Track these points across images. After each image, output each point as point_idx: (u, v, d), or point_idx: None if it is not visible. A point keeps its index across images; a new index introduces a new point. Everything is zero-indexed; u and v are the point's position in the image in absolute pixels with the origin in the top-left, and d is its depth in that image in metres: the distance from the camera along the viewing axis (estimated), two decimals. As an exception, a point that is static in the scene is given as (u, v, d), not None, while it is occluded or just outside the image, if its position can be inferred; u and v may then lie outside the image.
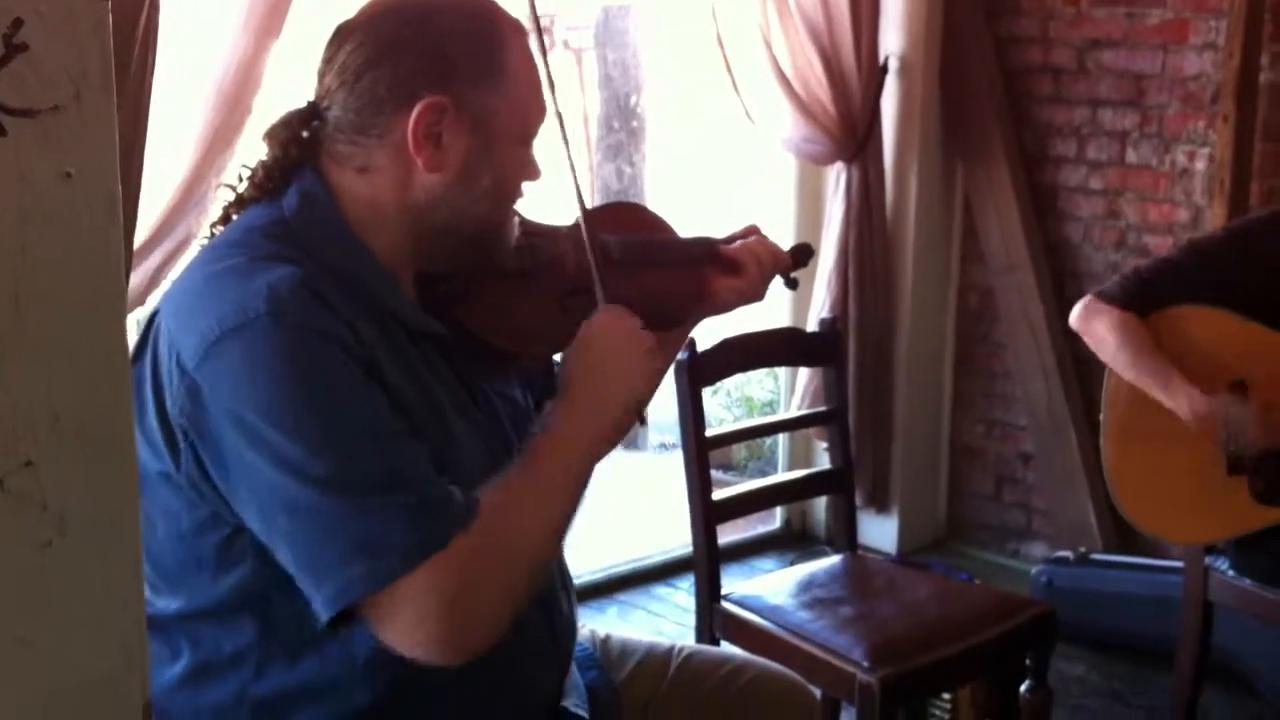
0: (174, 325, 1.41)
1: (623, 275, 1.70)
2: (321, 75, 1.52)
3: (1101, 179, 3.79)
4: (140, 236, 2.46)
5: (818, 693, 2.16)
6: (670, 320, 1.83)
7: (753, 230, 1.88)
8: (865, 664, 2.33)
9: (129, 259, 2.20)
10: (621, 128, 5.74)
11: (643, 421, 1.60)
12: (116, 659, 0.92)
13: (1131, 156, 3.72)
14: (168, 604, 1.47)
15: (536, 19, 1.64)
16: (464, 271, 1.60)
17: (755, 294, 1.85)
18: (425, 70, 1.47)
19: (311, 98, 1.53)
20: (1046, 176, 3.88)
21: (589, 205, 1.69)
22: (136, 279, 2.47)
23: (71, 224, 0.87)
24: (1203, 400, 2.55)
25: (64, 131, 0.85)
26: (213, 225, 1.55)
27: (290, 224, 1.48)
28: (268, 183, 1.52)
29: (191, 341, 1.37)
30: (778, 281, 1.94)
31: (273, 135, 1.53)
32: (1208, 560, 2.77)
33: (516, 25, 1.54)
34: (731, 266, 1.82)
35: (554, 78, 1.60)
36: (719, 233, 1.88)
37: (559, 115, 1.62)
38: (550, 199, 1.72)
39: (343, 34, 1.51)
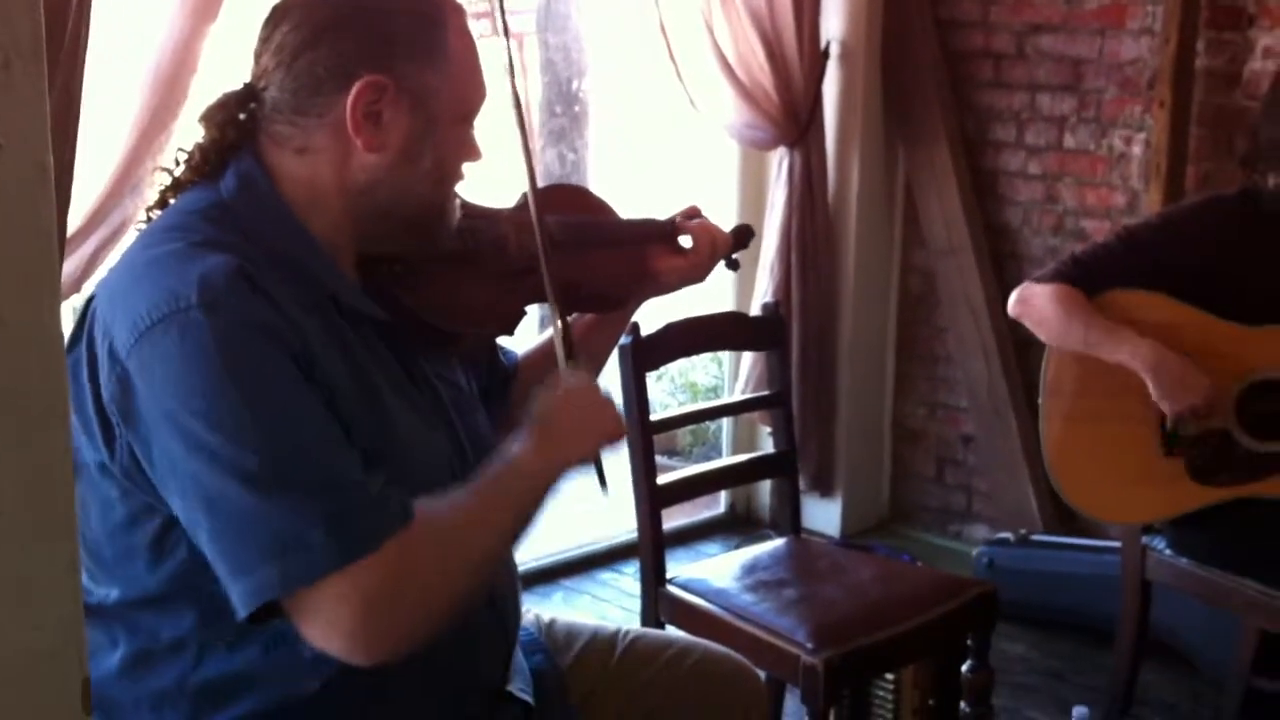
0: (108, 311, 1.39)
1: (565, 256, 1.70)
2: (258, 56, 1.50)
3: (1040, 164, 3.82)
4: (76, 222, 2.42)
5: (762, 674, 2.16)
6: (613, 301, 1.84)
7: (694, 211, 1.89)
8: (809, 645, 2.34)
9: (62, 238, 2.16)
10: (564, 113, 5.73)
11: (602, 479, 1.62)
12: (54, 636, 0.91)
13: (1069, 141, 3.75)
14: (107, 593, 1.46)
15: (503, 10, 1.66)
16: (405, 253, 1.59)
17: (699, 275, 1.87)
18: (364, 49, 1.46)
19: (248, 79, 1.51)
20: (987, 161, 3.91)
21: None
22: (72, 264, 2.44)
23: (1, 196, 0.85)
24: (1158, 348, 2.57)
25: (-6, 102, 0.84)
26: (149, 209, 1.53)
27: (228, 206, 1.46)
28: (205, 165, 1.50)
29: (123, 329, 1.35)
30: (719, 264, 1.94)
31: (209, 117, 1.51)
32: (1145, 540, 2.80)
33: (455, 5, 1.53)
34: (679, 246, 1.83)
35: (514, 62, 1.61)
36: (661, 215, 1.88)
37: (516, 99, 1.63)
38: (487, 181, 1.71)
39: (279, 13, 1.49)
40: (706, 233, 1.85)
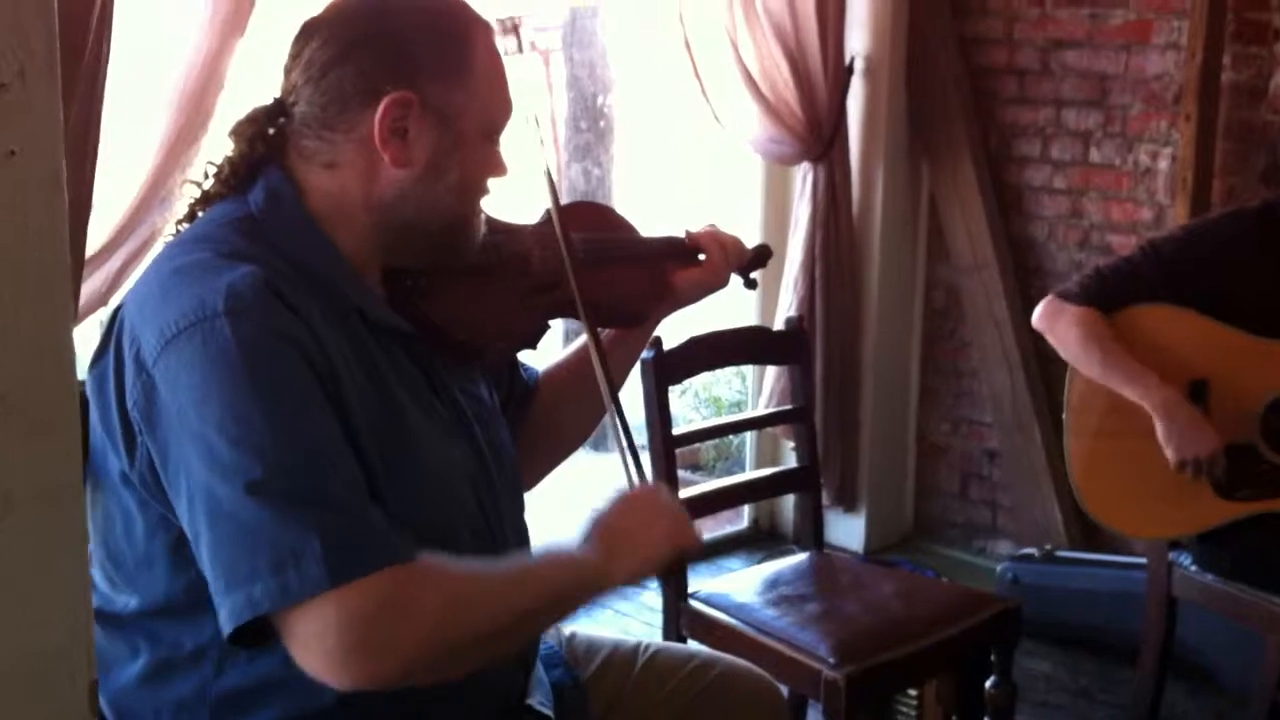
0: (136, 320, 1.41)
1: (588, 273, 1.72)
2: (288, 71, 1.52)
3: (1065, 178, 3.81)
4: (102, 237, 2.44)
5: (784, 689, 2.16)
6: (635, 317, 1.86)
7: (711, 230, 1.92)
8: (831, 660, 2.34)
9: (80, 252, 2.17)
10: (589, 128, 5.74)
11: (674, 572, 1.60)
12: (62, 636, 0.91)
13: (1095, 156, 3.74)
14: (127, 601, 1.47)
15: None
16: (430, 266, 1.60)
17: (718, 281, 1.89)
18: (391, 66, 1.48)
19: (278, 94, 1.53)
20: (1011, 176, 3.90)
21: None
22: (99, 279, 2.45)
23: (15, 202, 0.86)
24: (1173, 395, 2.57)
25: (8, 110, 0.85)
26: (178, 222, 1.55)
27: (256, 220, 1.48)
28: (234, 179, 1.52)
29: (151, 337, 1.37)
30: (737, 282, 1.97)
31: (239, 132, 1.53)
32: (1171, 556, 2.78)
33: (482, 22, 1.55)
34: (692, 254, 1.86)
35: (550, 81, 1.63)
36: (690, 225, 1.92)
37: (536, 118, 1.68)
38: (509, 197, 1.72)
39: (309, 30, 1.52)
40: (714, 239, 1.88)
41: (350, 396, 1.40)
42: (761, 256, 1.99)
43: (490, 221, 1.66)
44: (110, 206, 2.44)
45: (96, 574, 1.49)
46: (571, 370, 1.84)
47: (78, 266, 1.91)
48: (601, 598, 1.54)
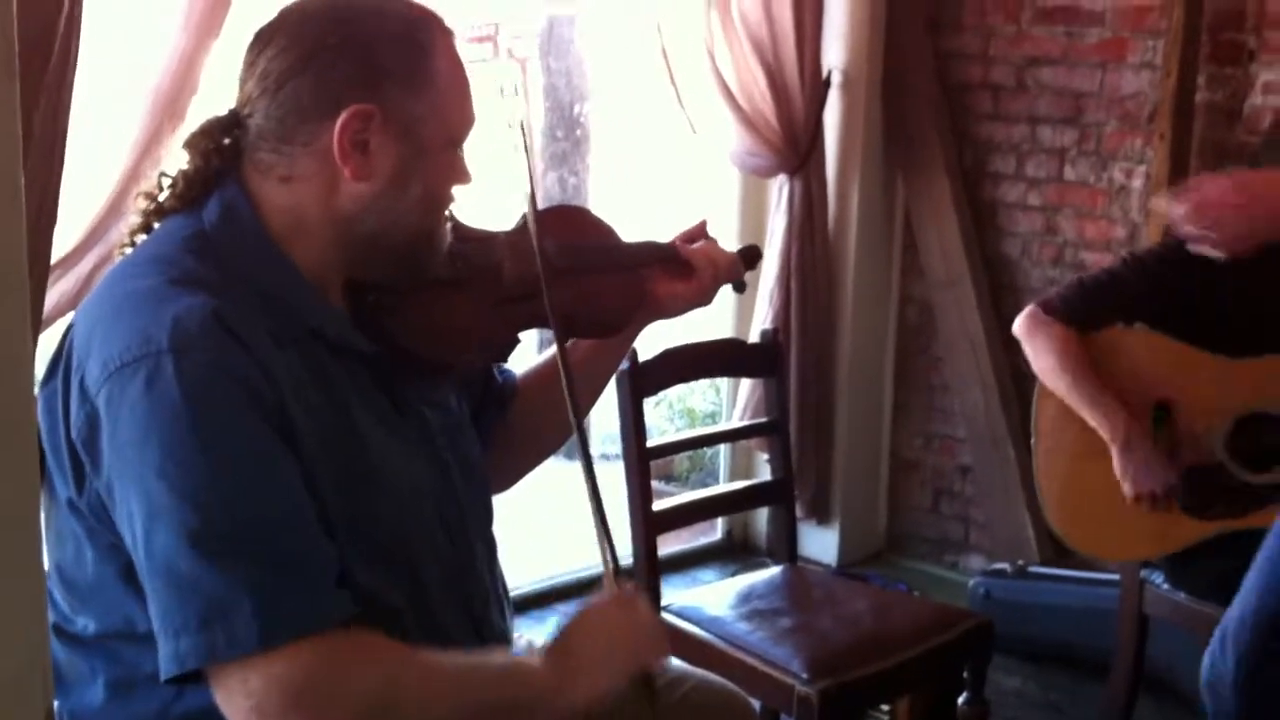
0: (83, 346, 1.37)
1: (563, 283, 1.66)
2: (243, 82, 1.47)
3: (1040, 195, 3.82)
4: (73, 239, 2.42)
5: (756, 704, 2.15)
6: (612, 328, 1.79)
7: (700, 230, 1.85)
8: (804, 675, 2.33)
9: (46, 258, 2.12)
10: (565, 137, 5.73)
11: (651, 698, 1.53)
12: (17, 662, 0.88)
13: (1070, 174, 3.76)
14: (86, 624, 1.44)
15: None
16: (394, 280, 1.55)
17: (702, 300, 1.82)
18: (351, 77, 1.43)
19: (233, 105, 1.49)
20: (985, 192, 3.91)
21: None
22: (69, 281, 2.43)
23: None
24: (1134, 427, 2.60)
25: (-39, 114, 0.82)
26: (133, 233, 1.51)
27: (210, 237, 1.44)
28: (188, 193, 1.47)
29: (95, 366, 1.34)
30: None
31: (193, 144, 1.49)
32: (1143, 574, 2.79)
33: (444, 28, 1.51)
34: (683, 270, 1.78)
35: (517, 85, 1.59)
36: (666, 236, 1.85)
37: (522, 124, 1.63)
38: (484, 203, 1.69)
39: (263, 38, 1.47)
40: (707, 258, 1.80)
41: (302, 427, 1.36)
42: (751, 259, 1.91)
43: (460, 229, 1.62)
44: (82, 208, 2.41)
45: (55, 592, 1.46)
46: (551, 375, 1.74)
47: (43, 270, 1.87)
48: (548, 716, 1.46)
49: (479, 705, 1.42)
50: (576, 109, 5.75)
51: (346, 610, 1.34)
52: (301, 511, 1.34)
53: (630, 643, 1.51)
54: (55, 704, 1.47)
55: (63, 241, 2.38)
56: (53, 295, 2.37)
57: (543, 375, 1.80)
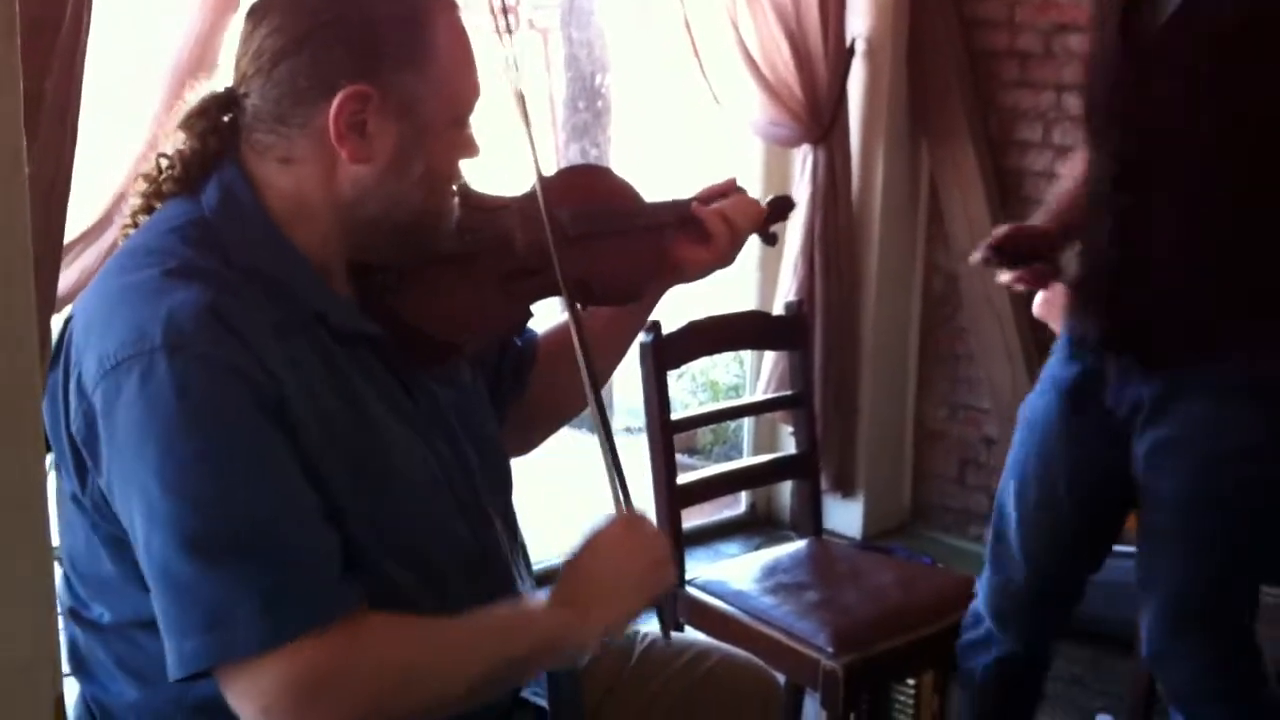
0: (81, 340, 1.35)
1: (577, 251, 1.61)
2: (238, 59, 1.43)
3: (1067, 164, 3.77)
4: (94, 215, 2.41)
5: (781, 679, 2.14)
6: (630, 295, 1.73)
7: (729, 186, 1.80)
8: (829, 650, 2.32)
9: (59, 242, 2.09)
10: (587, 108, 5.70)
11: (664, 626, 1.54)
12: (26, 649, 0.87)
13: (1097, 141, 3.71)
14: (101, 613, 1.43)
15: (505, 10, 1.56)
16: (400, 260, 1.51)
17: (724, 263, 1.77)
18: (346, 57, 1.38)
19: (229, 83, 1.45)
20: (1012, 161, 3.87)
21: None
22: (89, 258, 2.42)
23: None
24: None
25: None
26: (134, 214, 1.47)
27: (209, 223, 1.40)
28: (186, 175, 1.44)
29: (91, 363, 1.32)
30: (753, 239, 1.83)
31: (188, 125, 1.44)
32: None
33: (446, 0, 1.46)
34: (699, 234, 1.73)
35: (517, 58, 1.54)
36: (692, 191, 1.79)
37: (519, 95, 1.54)
38: (499, 171, 1.63)
39: (257, 15, 1.42)
40: (722, 221, 1.75)
41: (305, 418, 1.34)
42: (780, 210, 1.85)
43: (471, 198, 1.58)
44: (98, 192, 2.40)
45: (70, 579, 1.45)
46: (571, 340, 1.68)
47: (55, 253, 1.84)
48: (576, 656, 1.46)
49: (495, 661, 1.41)
50: (598, 80, 5.72)
51: (352, 600, 1.33)
52: (301, 507, 1.32)
53: (640, 568, 1.48)
54: (79, 689, 1.47)
55: (85, 216, 2.38)
56: (73, 271, 2.36)
57: (564, 339, 1.75)
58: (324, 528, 1.34)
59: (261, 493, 1.30)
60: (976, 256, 2.22)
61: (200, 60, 2.44)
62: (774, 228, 1.89)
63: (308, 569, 1.31)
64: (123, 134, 2.44)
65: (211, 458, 1.28)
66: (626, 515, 1.52)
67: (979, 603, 2.40)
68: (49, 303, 2.16)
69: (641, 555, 1.49)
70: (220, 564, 1.27)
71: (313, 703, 1.29)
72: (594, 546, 1.49)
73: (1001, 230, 2.25)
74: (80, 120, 2.21)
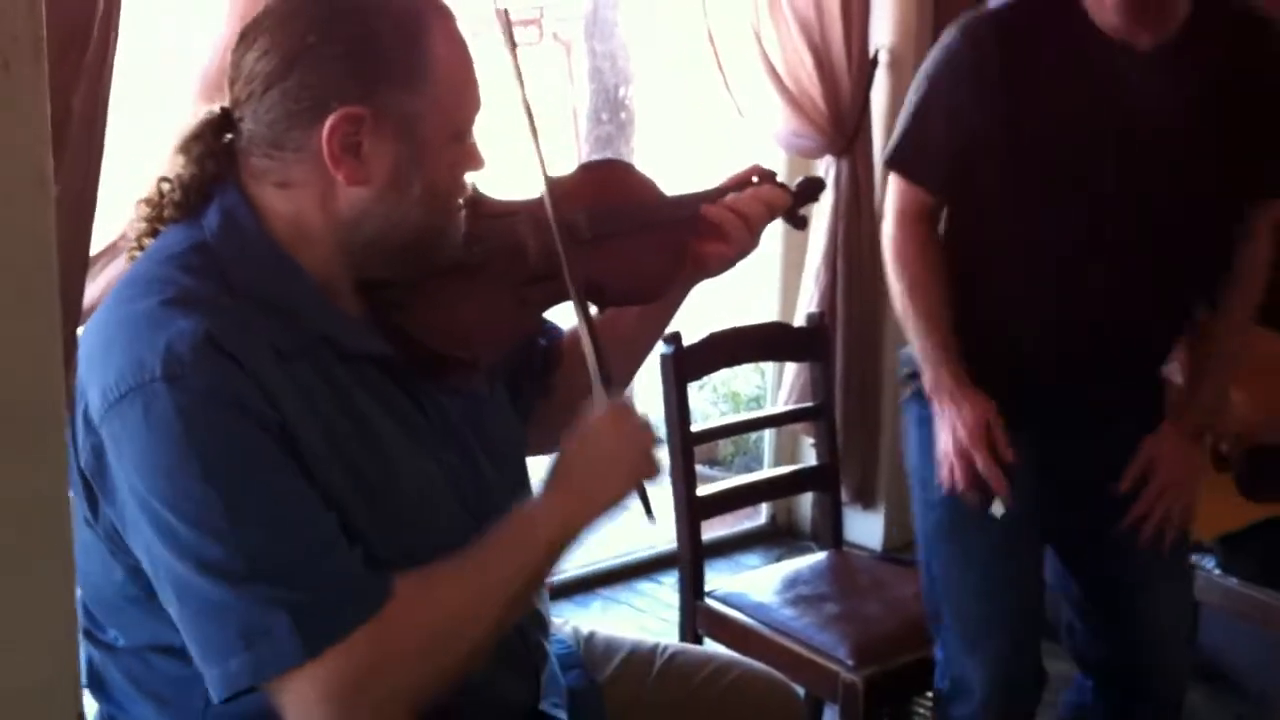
0: (85, 372, 1.35)
1: (591, 252, 1.57)
2: (231, 83, 1.41)
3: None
4: (113, 234, 2.41)
5: (801, 692, 2.14)
6: (649, 295, 1.69)
7: (752, 173, 1.76)
8: (849, 663, 2.32)
9: (85, 254, 2.09)
10: (610, 120, 5.71)
11: (648, 508, 1.50)
12: (49, 668, 0.86)
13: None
14: (115, 637, 1.43)
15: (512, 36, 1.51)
16: (405, 277, 1.47)
17: (744, 252, 1.72)
18: (337, 78, 1.35)
19: (224, 104, 1.43)
20: (1036, 172, 3.85)
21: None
22: (116, 269, 2.43)
23: (-2, 201, 0.81)
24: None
25: (-9, 103, 0.80)
26: (140, 237, 1.46)
27: (211, 249, 1.38)
28: (186, 201, 1.42)
29: (96, 395, 1.31)
30: (782, 223, 1.79)
31: (186, 149, 1.42)
32: (1194, 559, 2.75)
33: (440, 9, 1.41)
34: (713, 230, 1.69)
35: (521, 70, 1.49)
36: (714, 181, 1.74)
37: (526, 104, 1.50)
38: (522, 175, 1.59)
39: (247, 38, 1.39)
40: (755, 203, 1.70)
41: (310, 442, 1.33)
42: (810, 192, 1.80)
43: (481, 205, 1.55)
44: (127, 201, 2.41)
45: (86, 603, 1.45)
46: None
47: (81, 266, 1.85)
48: (578, 540, 1.47)
49: (516, 580, 1.42)
50: (621, 92, 5.73)
51: (382, 590, 1.33)
52: (314, 515, 1.32)
53: (628, 453, 1.48)
54: (97, 709, 1.48)
55: (112, 228, 2.39)
56: (99, 283, 2.37)
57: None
58: (339, 535, 1.34)
59: (275, 513, 1.30)
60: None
61: (224, 79, 2.45)
62: (803, 211, 1.83)
63: (332, 576, 1.31)
64: (150, 147, 2.45)
65: (222, 485, 1.27)
66: (614, 404, 1.50)
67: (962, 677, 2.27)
68: (75, 315, 2.17)
69: (629, 441, 1.48)
70: (247, 586, 1.27)
71: (366, 694, 1.30)
72: (583, 434, 1.49)
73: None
74: (108, 133, 2.22)
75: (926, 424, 2.20)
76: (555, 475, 1.48)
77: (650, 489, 1.51)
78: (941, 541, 2.23)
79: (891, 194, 2.23)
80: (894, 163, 2.24)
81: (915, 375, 2.25)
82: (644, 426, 1.50)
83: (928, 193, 2.19)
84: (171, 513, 1.27)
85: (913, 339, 2.20)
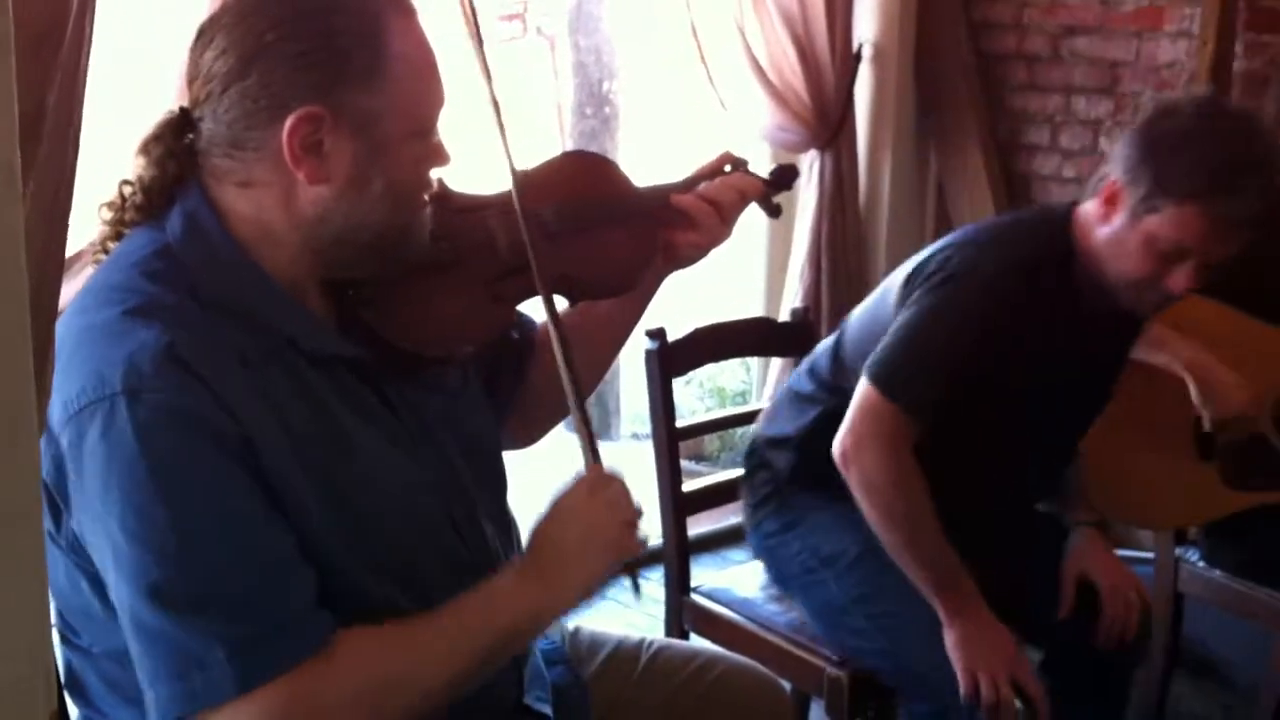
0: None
1: (561, 246, 1.56)
2: (190, 80, 1.40)
3: (1075, 167, 3.77)
4: (90, 234, 2.40)
5: (787, 687, 2.14)
6: (622, 284, 1.67)
7: (724, 161, 1.75)
8: (834, 658, 2.31)
9: (60, 247, 2.08)
10: (595, 114, 5.70)
11: (636, 587, 1.47)
12: (22, 664, 0.86)
13: (1105, 145, 3.71)
14: (90, 643, 1.42)
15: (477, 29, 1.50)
16: (373, 275, 1.45)
17: (717, 240, 1.70)
18: (296, 78, 1.33)
19: (183, 104, 1.42)
20: (1020, 164, 3.87)
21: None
22: (88, 274, 2.41)
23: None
24: (1202, 352, 2.51)
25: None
26: (104, 240, 1.45)
27: (174, 254, 1.37)
28: (148, 204, 1.41)
29: (57, 407, 1.30)
30: (756, 212, 1.77)
31: (146, 151, 1.42)
32: (1178, 551, 2.76)
33: (402, 8, 1.39)
34: (684, 219, 1.67)
35: (487, 63, 1.47)
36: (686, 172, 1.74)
37: (493, 96, 1.49)
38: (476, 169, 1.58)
39: (204, 37, 1.38)
40: (727, 192, 1.69)
41: (273, 450, 1.31)
42: (783, 180, 1.78)
43: (450, 200, 1.54)
44: (104, 200, 2.40)
45: (59, 609, 1.44)
46: (574, 328, 1.61)
47: (57, 265, 1.83)
48: (547, 628, 1.44)
49: (472, 654, 1.39)
50: (605, 86, 5.71)
51: (322, 632, 1.31)
52: (266, 543, 1.30)
53: (607, 530, 1.43)
54: (76, 712, 1.47)
55: (91, 228, 2.37)
56: (76, 283, 2.35)
57: (560, 330, 1.72)
58: (291, 567, 1.32)
59: (224, 543, 1.28)
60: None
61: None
62: (777, 200, 1.82)
63: (276, 612, 1.29)
64: (127, 144, 2.44)
65: (175, 508, 1.25)
66: (591, 475, 1.46)
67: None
68: (51, 315, 2.16)
69: (607, 518, 1.44)
70: (187, 614, 1.26)
71: None
72: (559, 512, 1.44)
73: None
74: (83, 131, 2.20)
75: (795, 527, 2.37)
76: (528, 557, 1.44)
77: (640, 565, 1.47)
78: (866, 600, 2.25)
79: (874, 418, 2.16)
80: (900, 396, 2.16)
81: (773, 476, 2.41)
82: (622, 495, 1.46)
83: (916, 423, 2.17)
84: (121, 530, 1.26)
85: (920, 566, 2.17)
